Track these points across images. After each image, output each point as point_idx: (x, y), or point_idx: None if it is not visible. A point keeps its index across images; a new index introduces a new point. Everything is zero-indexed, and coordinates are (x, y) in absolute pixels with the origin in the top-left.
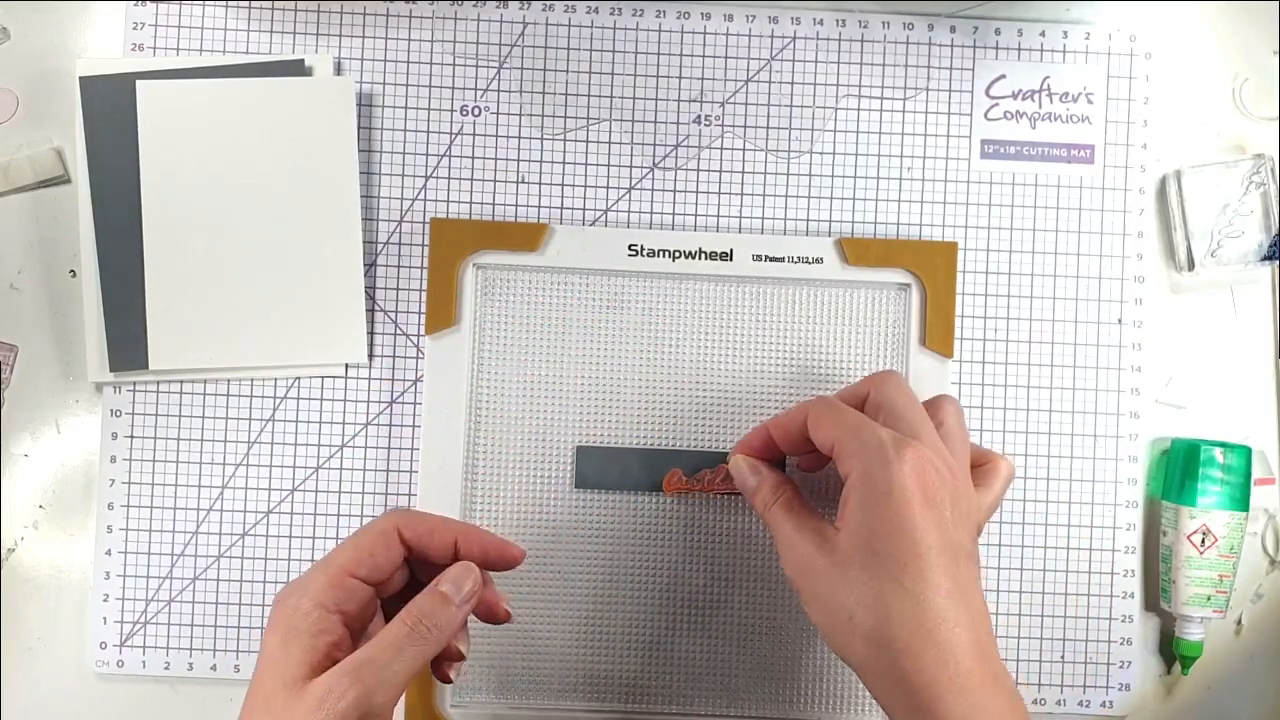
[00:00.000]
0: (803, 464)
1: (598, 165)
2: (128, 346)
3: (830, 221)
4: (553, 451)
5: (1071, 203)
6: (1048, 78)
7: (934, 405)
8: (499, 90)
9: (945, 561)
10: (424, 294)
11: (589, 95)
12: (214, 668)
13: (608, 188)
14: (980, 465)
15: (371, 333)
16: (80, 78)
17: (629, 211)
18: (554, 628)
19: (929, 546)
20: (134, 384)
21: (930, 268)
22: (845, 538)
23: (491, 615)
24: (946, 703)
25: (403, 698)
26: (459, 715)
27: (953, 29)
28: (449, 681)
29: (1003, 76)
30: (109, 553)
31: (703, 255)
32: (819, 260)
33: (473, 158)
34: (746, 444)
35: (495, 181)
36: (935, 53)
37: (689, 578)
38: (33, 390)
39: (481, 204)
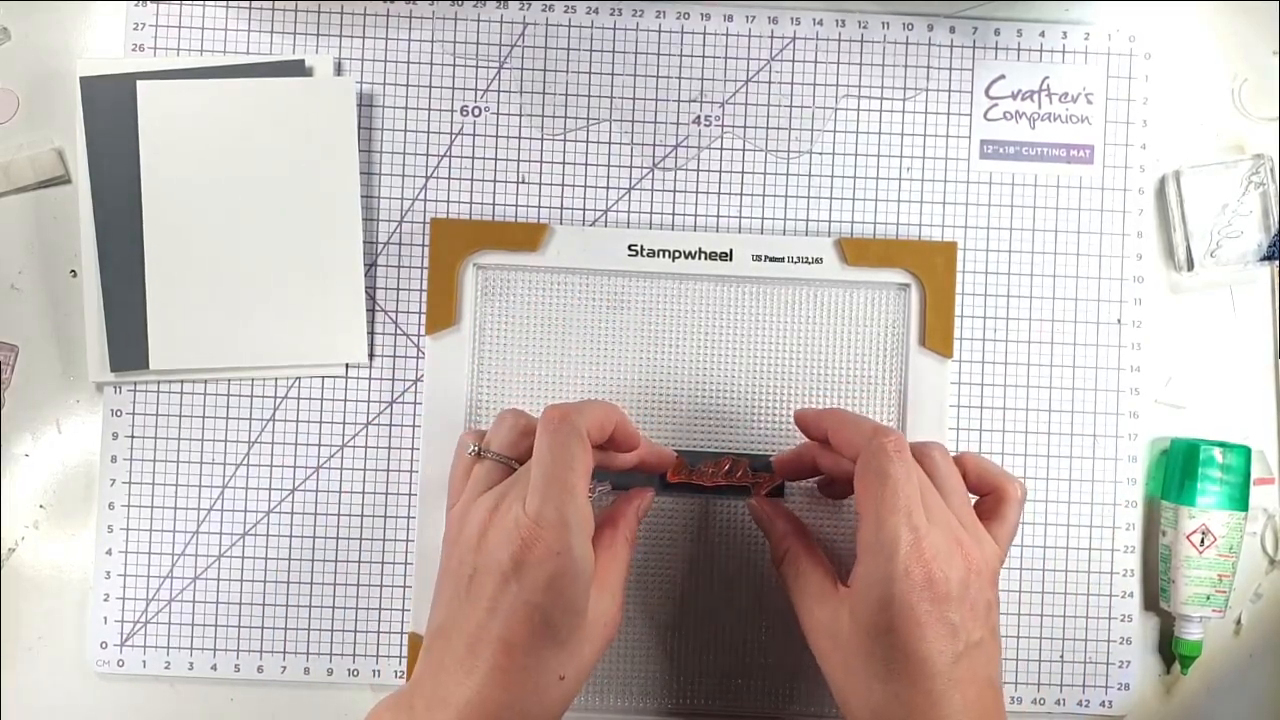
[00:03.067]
0: (827, 490)
1: (598, 165)
2: (128, 346)
3: (830, 221)
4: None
5: (1071, 203)
6: (1047, 78)
7: (922, 454)
8: (499, 90)
9: (946, 671)
10: (424, 294)
11: (589, 95)
12: (214, 667)
13: (608, 188)
14: (989, 494)
15: (371, 333)
16: (81, 78)
17: (629, 211)
18: None
19: (932, 668)
20: (134, 384)
21: (930, 268)
22: (851, 622)
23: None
24: None
25: None
26: None
27: (952, 29)
28: None
29: (1002, 77)
30: (109, 552)
31: (703, 255)
32: (819, 260)
33: (473, 158)
34: (801, 422)
35: (495, 181)
36: (935, 53)
37: (689, 577)
38: (33, 390)
39: (481, 204)
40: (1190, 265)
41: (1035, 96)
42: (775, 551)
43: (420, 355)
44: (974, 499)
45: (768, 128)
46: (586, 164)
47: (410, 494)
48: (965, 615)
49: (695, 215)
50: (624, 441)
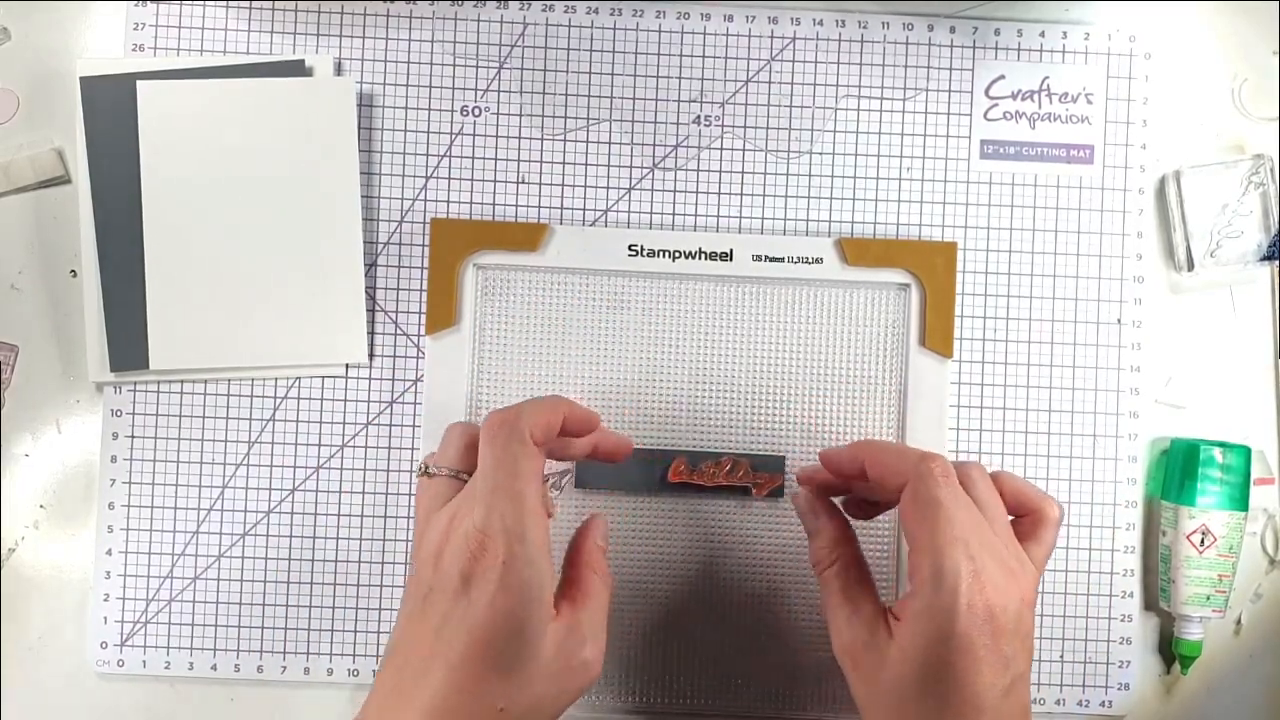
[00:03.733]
0: (855, 510)
1: (598, 165)
2: (128, 346)
3: (830, 221)
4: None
5: (1071, 203)
6: (1047, 78)
7: (963, 476)
8: (499, 90)
9: (995, 705)
10: (424, 294)
11: (589, 95)
12: (214, 667)
13: (608, 188)
14: (1026, 515)
15: (371, 333)
16: (81, 78)
17: (629, 211)
18: None
19: (983, 703)
20: (134, 384)
21: (930, 268)
22: (899, 655)
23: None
24: None
25: None
26: None
27: (952, 29)
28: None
29: (1002, 77)
30: (109, 552)
31: (703, 255)
32: (819, 260)
33: (473, 158)
34: (830, 463)
35: (495, 181)
36: (935, 53)
37: (689, 578)
38: (33, 390)
39: (481, 204)
40: (1190, 265)
41: (1035, 96)
42: (821, 556)
43: (420, 355)
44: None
45: (768, 128)
46: (586, 164)
47: (410, 494)
48: (1017, 647)
49: (695, 215)
50: (577, 429)
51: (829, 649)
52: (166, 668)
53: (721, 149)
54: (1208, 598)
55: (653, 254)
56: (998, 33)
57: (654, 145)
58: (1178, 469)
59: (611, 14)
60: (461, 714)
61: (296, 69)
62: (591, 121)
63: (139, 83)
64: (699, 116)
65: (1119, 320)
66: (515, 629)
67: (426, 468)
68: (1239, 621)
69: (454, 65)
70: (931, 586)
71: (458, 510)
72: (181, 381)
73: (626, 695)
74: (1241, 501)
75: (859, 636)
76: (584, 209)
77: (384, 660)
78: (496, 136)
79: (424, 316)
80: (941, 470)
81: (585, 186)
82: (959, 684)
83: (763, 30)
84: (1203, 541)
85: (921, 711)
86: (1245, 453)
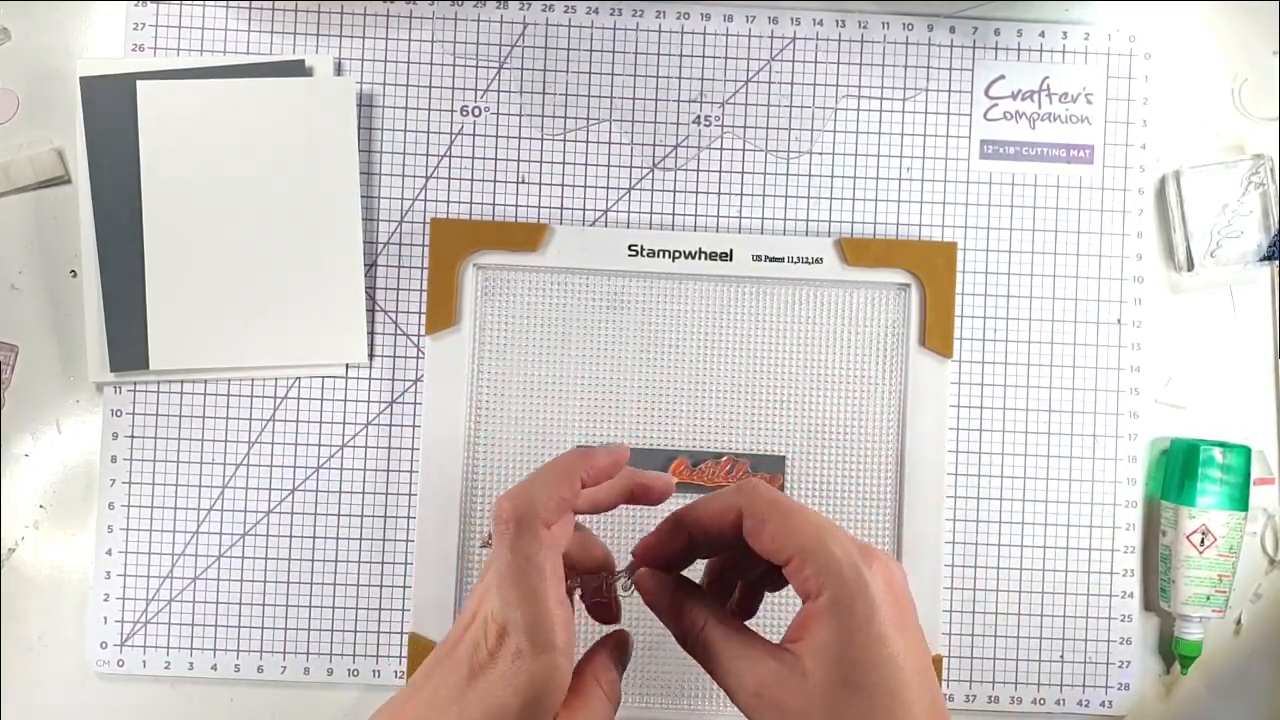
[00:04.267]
0: (706, 554)
1: (598, 165)
2: (128, 346)
3: (830, 221)
4: (553, 451)
5: (1071, 203)
6: (1047, 78)
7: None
8: (499, 90)
9: (923, 679)
10: (424, 294)
11: (589, 95)
12: (214, 667)
13: (608, 188)
14: None
15: (371, 333)
16: (81, 78)
17: (629, 211)
18: None
19: (911, 673)
20: (134, 384)
21: (930, 268)
22: (816, 664)
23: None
24: None
25: None
26: None
27: (952, 29)
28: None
29: (1002, 77)
30: (109, 552)
31: (703, 255)
32: (819, 260)
33: (473, 158)
34: (653, 546)
35: (495, 181)
36: (935, 53)
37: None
38: (33, 390)
39: (481, 204)
40: (1190, 265)
41: (1035, 96)
42: (694, 620)
43: (420, 355)
44: None
45: (768, 128)
46: (586, 164)
47: (410, 494)
48: (915, 618)
49: (695, 215)
50: (600, 477)
51: None
52: (166, 668)
53: (721, 149)
54: (1208, 598)
55: (653, 254)
56: (998, 33)
57: (654, 145)
58: (1178, 469)
59: (611, 14)
60: None
61: (296, 69)
62: (591, 121)
63: (139, 83)
64: (699, 116)
65: (1119, 320)
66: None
67: (489, 538)
68: (1239, 621)
69: (454, 65)
70: (823, 577)
71: (489, 585)
72: (181, 381)
73: (626, 695)
74: (1241, 501)
75: (769, 669)
76: (584, 209)
77: (399, 703)
78: (496, 136)
79: (424, 316)
80: (764, 484)
81: (585, 186)
82: (887, 658)
83: (763, 30)
84: (1203, 541)
85: (851, 707)
86: (1245, 453)
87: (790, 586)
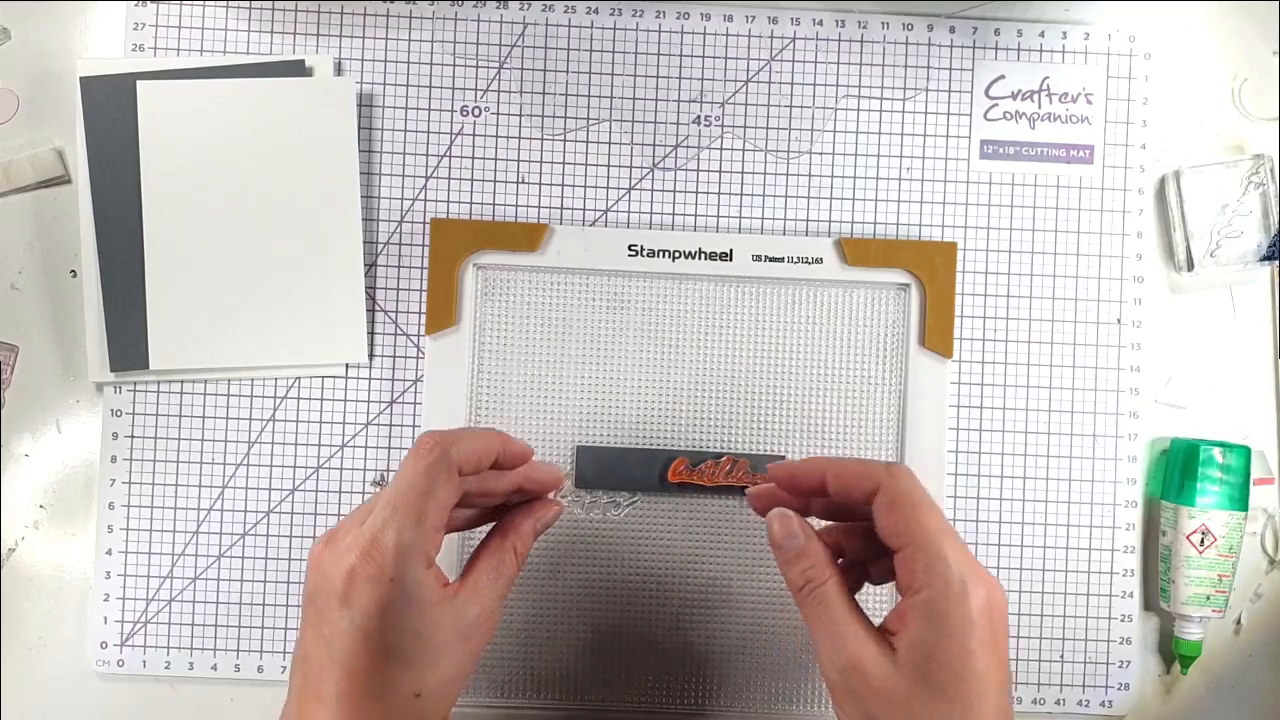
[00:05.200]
0: (821, 513)
1: (598, 165)
2: (128, 346)
3: (830, 221)
4: (553, 451)
5: (1071, 203)
6: (1047, 78)
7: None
8: (499, 90)
9: (998, 694)
10: (424, 294)
11: (589, 95)
12: (214, 667)
13: (608, 188)
14: None
15: (371, 333)
16: (81, 78)
17: (629, 211)
18: (554, 627)
19: (992, 691)
20: (134, 384)
21: (930, 268)
22: (906, 658)
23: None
24: None
25: None
26: (456, 715)
27: (952, 29)
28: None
29: (1002, 77)
30: (109, 552)
31: (703, 255)
32: (819, 260)
33: (473, 158)
34: (790, 471)
35: (495, 181)
36: (935, 53)
37: (689, 577)
38: (33, 390)
39: (481, 204)
40: (1190, 265)
41: (1035, 96)
42: (814, 575)
43: (420, 355)
44: None
45: (768, 128)
46: (586, 164)
47: None
48: (1007, 638)
49: (695, 215)
50: (510, 463)
51: None
52: (166, 668)
53: (721, 149)
54: (1208, 598)
55: (653, 254)
56: (998, 33)
57: (654, 145)
58: (1178, 469)
59: (611, 14)
60: (378, 709)
61: (296, 69)
62: (591, 121)
63: (139, 83)
64: (699, 116)
65: (1119, 320)
66: (407, 630)
67: (383, 478)
68: (1239, 621)
69: (454, 65)
70: (929, 580)
71: (344, 524)
72: (181, 381)
73: (627, 695)
74: (1241, 501)
75: (868, 651)
76: (584, 209)
77: (291, 665)
78: (496, 136)
79: (424, 316)
80: (910, 472)
81: (585, 186)
82: (970, 673)
83: (763, 30)
84: (1203, 541)
85: (928, 710)
86: (1245, 453)
87: (892, 584)
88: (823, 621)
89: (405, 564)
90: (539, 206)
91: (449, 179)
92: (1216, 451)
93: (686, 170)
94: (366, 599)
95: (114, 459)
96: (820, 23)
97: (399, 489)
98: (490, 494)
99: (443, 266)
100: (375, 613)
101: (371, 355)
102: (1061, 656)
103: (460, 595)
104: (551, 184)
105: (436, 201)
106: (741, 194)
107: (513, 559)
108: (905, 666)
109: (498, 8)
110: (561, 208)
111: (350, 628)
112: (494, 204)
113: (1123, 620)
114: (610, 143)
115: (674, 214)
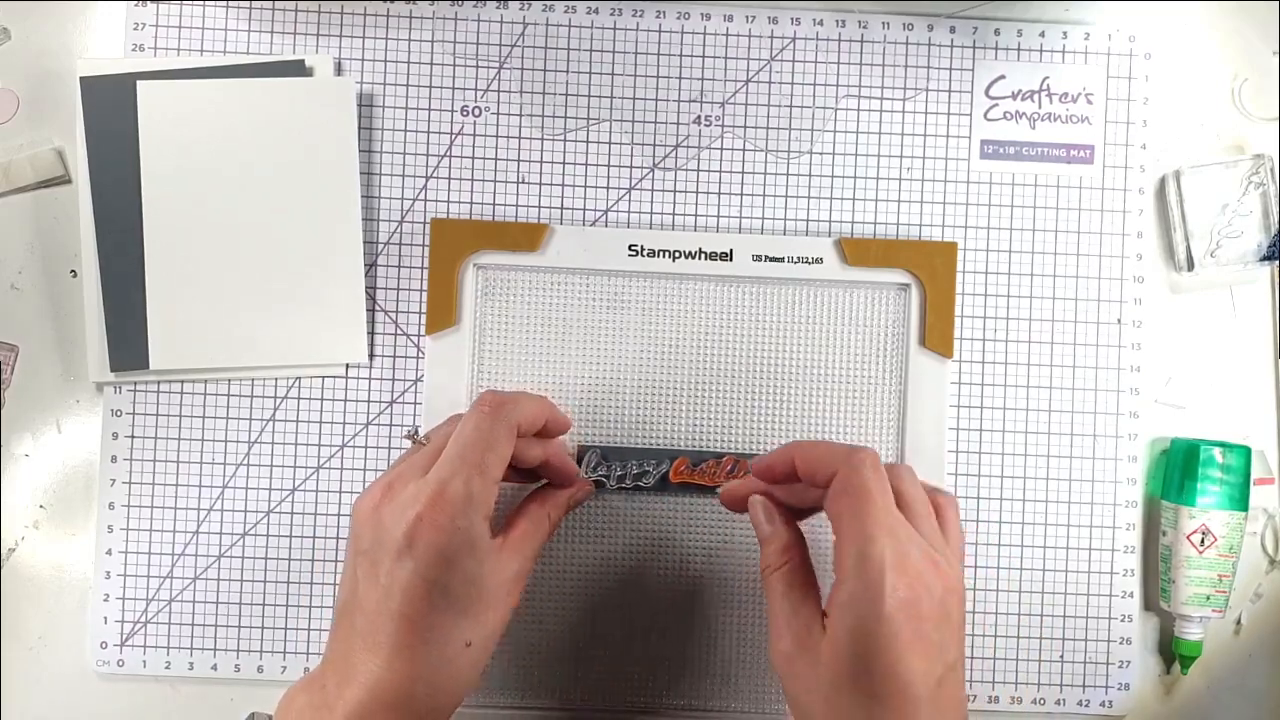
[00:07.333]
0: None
1: (598, 165)
2: (128, 346)
3: (830, 221)
4: None
5: (1071, 203)
6: (1047, 78)
7: (893, 475)
8: (499, 90)
9: (930, 694)
10: (424, 294)
11: (589, 95)
12: (214, 667)
13: (608, 188)
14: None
15: (372, 333)
16: (81, 78)
17: (629, 211)
18: (554, 627)
19: (924, 693)
20: (134, 384)
21: (930, 268)
22: (829, 652)
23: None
24: None
25: None
26: (457, 715)
27: (952, 29)
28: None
29: (1002, 77)
30: (109, 552)
31: (703, 255)
32: (819, 260)
33: (473, 158)
34: (767, 461)
35: (495, 181)
36: (935, 53)
37: (689, 576)
38: (33, 390)
39: (481, 204)
40: (1190, 265)
41: (1035, 96)
42: (771, 560)
43: (420, 355)
44: None
45: (768, 128)
46: (586, 164)
47: None
48: (947, 635)
49: (695, 215)
50: (555, 430)
51: None
52: (166, 668)
53: (721, 149)
54: (1208, 598)
55: (653, 254)
56: (998, 33)
57: (654, 145)
58: (1178, 469)
59: (611, 14)
60: (433, 657)
61: (296, 69)
62: (591, 121)
63: (139, 83)
64: (699, 116)
65: (1119, 320)
66: (466, 579)
67: (416, 431)
68: (1239, 621)
69: (454, 65)
70: (856, 572)
71: (400, 472)
72: (181, 381)
73: (627, 695)
74: (1241, 501)
75: (797, 637)
76: (584, 209)
77: (336, 616)
78: (496, 136)
79: (424, 316)
80: (872, 462)
81: (585, 186)
82: (889, 672)
83: (763, 30)
84: (1203, 541)
85: (854, 705)
86: (1245, 453)
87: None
88: (771, 606)
89: (471, 513)
90: (539, 206)
91: (449, 179)
92: (1216, 451)
93: (686, 170)
94: (431, 548)
95: (114, 459)
96: (820, 23)
97: (463, 442)
98: (521, 460)
99: (443, 266)
100: (438, 562)
101: (371, 355)
102: (1061, 656)
103: (505, 550)
104: (551, 184)
105: (436, 201)
106: (741, 194)
107: (547, 524)
108: (828, 659)
109: (498, 8)
110: (561, 208)
111: (413, 576)
112: (494, 204)
113: (1123, 620)
114: (610, 143)
115: (674, 214)
